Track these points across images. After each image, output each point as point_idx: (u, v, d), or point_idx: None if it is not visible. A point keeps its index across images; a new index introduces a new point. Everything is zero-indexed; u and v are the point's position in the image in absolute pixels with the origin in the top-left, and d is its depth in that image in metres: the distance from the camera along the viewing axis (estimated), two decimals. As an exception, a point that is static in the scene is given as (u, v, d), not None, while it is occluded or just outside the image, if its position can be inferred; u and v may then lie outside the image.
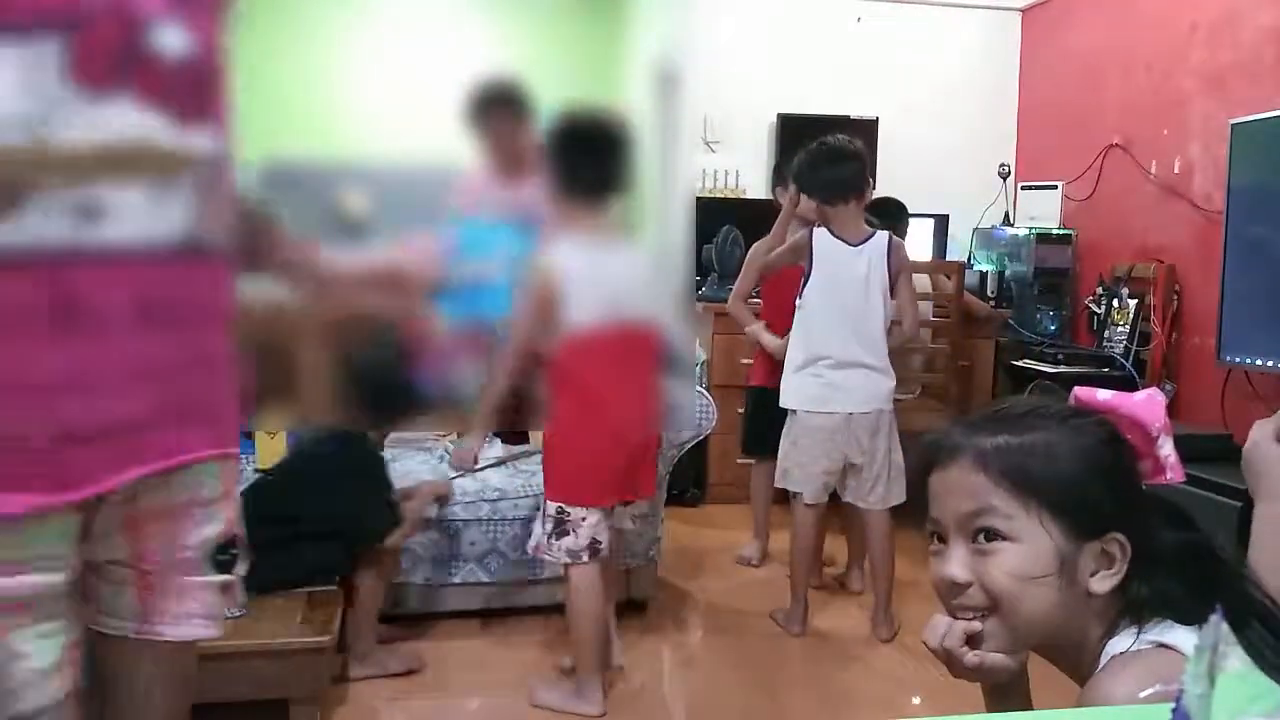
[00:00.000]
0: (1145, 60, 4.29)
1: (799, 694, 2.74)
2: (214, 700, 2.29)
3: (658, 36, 3.69)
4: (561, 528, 2.50)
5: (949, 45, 5.20)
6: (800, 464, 3.02)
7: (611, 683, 2.68)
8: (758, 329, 3.49)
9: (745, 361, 4.01)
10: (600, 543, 2.52)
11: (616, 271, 2.38)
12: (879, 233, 3.04)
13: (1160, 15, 4.21)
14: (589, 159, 2.37)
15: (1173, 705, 0.70)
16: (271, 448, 3.07)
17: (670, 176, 3.74)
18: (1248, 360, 3.40)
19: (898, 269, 3.06)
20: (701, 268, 4.49)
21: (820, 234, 3.01)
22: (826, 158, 3.04)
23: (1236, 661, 0.66)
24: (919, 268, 4.26)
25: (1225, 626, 0.65)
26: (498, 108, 2.78)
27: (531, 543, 2.61)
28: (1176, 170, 4.08)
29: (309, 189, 3.14)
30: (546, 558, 2.59)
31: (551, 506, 2.51)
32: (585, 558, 2.51)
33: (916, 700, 2.73)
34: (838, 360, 2.97)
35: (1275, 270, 3.25)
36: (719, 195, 4.86)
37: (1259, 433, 1.12)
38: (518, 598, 3.07)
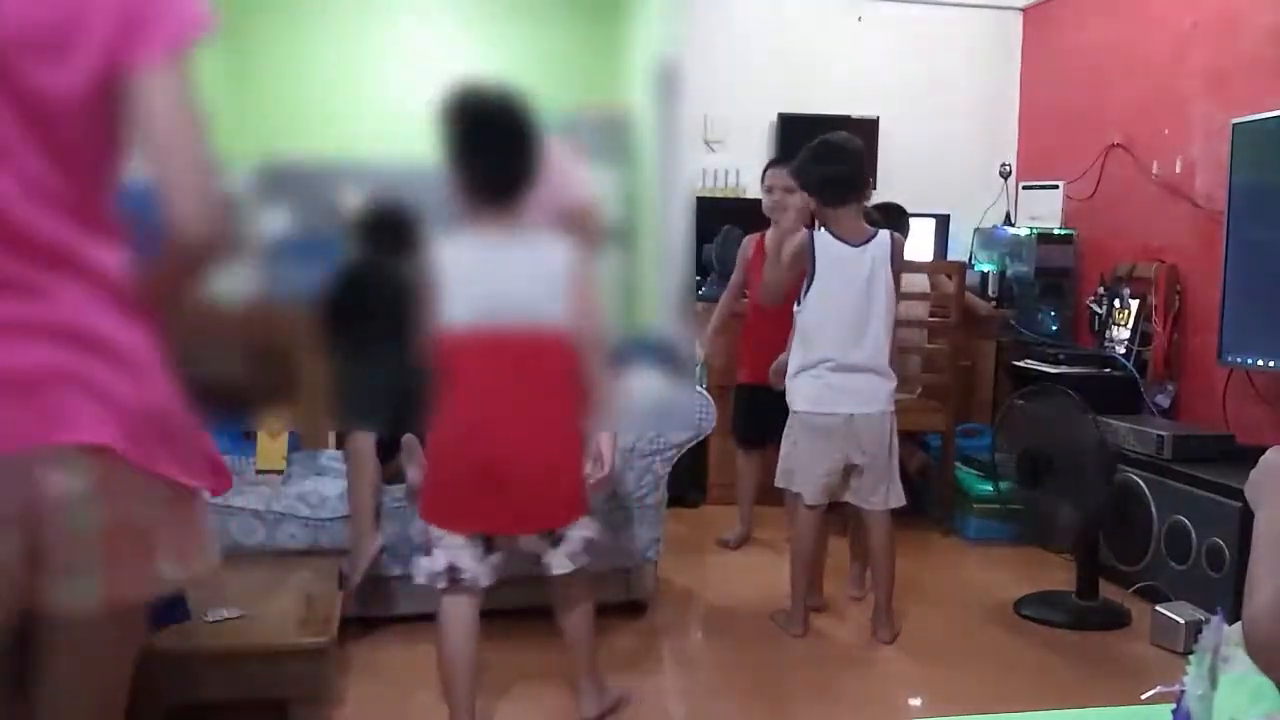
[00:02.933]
0: (1146, 60, 4.29)
1: (799, 695, 2.74)
2: (212, 702, 2.30)
3: (658, 36, 3.69)
4: (426, 547, 2.28)
5: (950, 45, 5.19)
6: (802, 465, 3.01)
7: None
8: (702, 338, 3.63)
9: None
10: (462, 571, 2.22)
11: (504, 272, 2.12)
12: (881, 232, 3.03)
13: (1161, 15, 4.21)
14: (487, 153, 2.14)
15: (1174, 706, 0.70)
16: (273, 448, 3.07)
17: (670, 176, 3.75)
18: (1249, 360, 3.39)
19: (899, 269, 3.06)
20: (701, 267, 4.49)
21: (822, 237, 3.00)
22: (827, 156, 3.00)
23: (1238, 663, 0.66)
24: (920, 268, 4.26)
25: (1227, 628, 0.65)
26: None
27: None
28: (1178, 170, 4.07)
29: (309, 189, 3.15)
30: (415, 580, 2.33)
31: (420, 521, 2.33)
32: (442, 584, 2.23)
33: (916, 701, 2.72)
34: (839, 364, 2.96)
35: (1276, 270, 3.24)
36: (719, 195, 4.85)
37: (1275, 455, 1.10)
38: (518, 598, 3.06)
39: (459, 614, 2.27)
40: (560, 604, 2.42)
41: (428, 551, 2.27)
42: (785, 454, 3.06)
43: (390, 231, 2.61)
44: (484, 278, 2.12)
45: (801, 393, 3.01)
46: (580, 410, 2.22)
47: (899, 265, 3.07)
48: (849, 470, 3.00)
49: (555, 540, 2.29)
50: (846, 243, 2.97)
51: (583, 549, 2.32)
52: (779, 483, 3.11)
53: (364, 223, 2.77)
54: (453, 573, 2.23)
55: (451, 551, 2.22)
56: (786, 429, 3.07)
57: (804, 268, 2.99)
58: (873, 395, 2.97)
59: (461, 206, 2.16)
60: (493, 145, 2.14)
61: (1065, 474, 3.19)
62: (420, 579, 2.28)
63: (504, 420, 2.14)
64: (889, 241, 3.00)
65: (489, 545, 2.27)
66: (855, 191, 3.02)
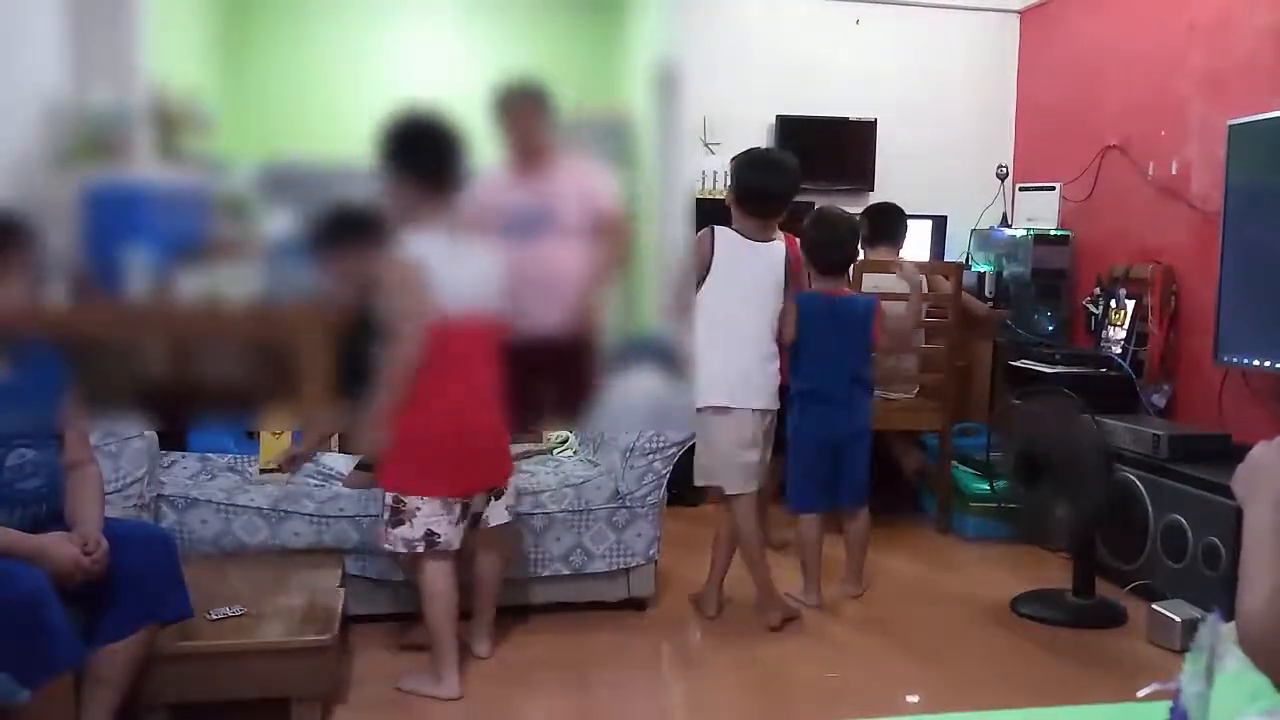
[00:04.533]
0: (1143, 62, 4.31)
1: (797, 692, 2.75)
2: (214, 699, 2.31)
3: (657, 38, 3.70)
4: (397, 517, 2.53)
5: (947, 47, 5.21)
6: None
7: (603, 681, 2.69)
8: None
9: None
10: (438, 535, 2.52)
11: (467, 264, 2.47)
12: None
13: (1158, 17, 4.22)
14: (428, 154, 2.45)
15: (1170, 703, 0.71)
16: (276, 447, 3.08)
17: (670, 176, 3.76)
18: (1245, 360, 3.41)
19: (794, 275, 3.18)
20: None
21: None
22: (764, 165, 3.13)
23: (1234, 660, 0.67)
24: (920, 268, 4.27)
25: (1223, 626, 0.66)
26: (522, 102, 2.85)
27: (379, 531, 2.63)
28: (1174, 171, 4.09)
29: (309, 189, 3.15)
30: (385, 547, 2.60)
31: (389, 496, 2.55)
32: (421, 548, 2.53)
33: (914, 699, 2.74)
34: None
35: (1272, 270, 3.26)
36: (718, 196, 4.85)
37: (1260, 450, 1.12)
38: (518, 596, 3.08)
39: (444, 571, 2.57)
40: (483, 551, 2.76)
41: (399, 523, 2.53)
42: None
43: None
44: (456, 271, 2.44)
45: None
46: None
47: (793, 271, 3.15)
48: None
49: (498, 494, 2.70)
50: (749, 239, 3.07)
51: (515, 500, 2.80)
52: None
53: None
54: (430, 538, 2.53)
55: (430, 519, 2.52)
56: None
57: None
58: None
59: (404, 203, 2.46)
60: (438, 149, 2.46)
61: (1062, 473, 3.21)
62: (399, 548, 2.56)
63: (474, 394, 2.52)
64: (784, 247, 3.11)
65: (464, 510, 2.59)
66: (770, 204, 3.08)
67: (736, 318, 3.04)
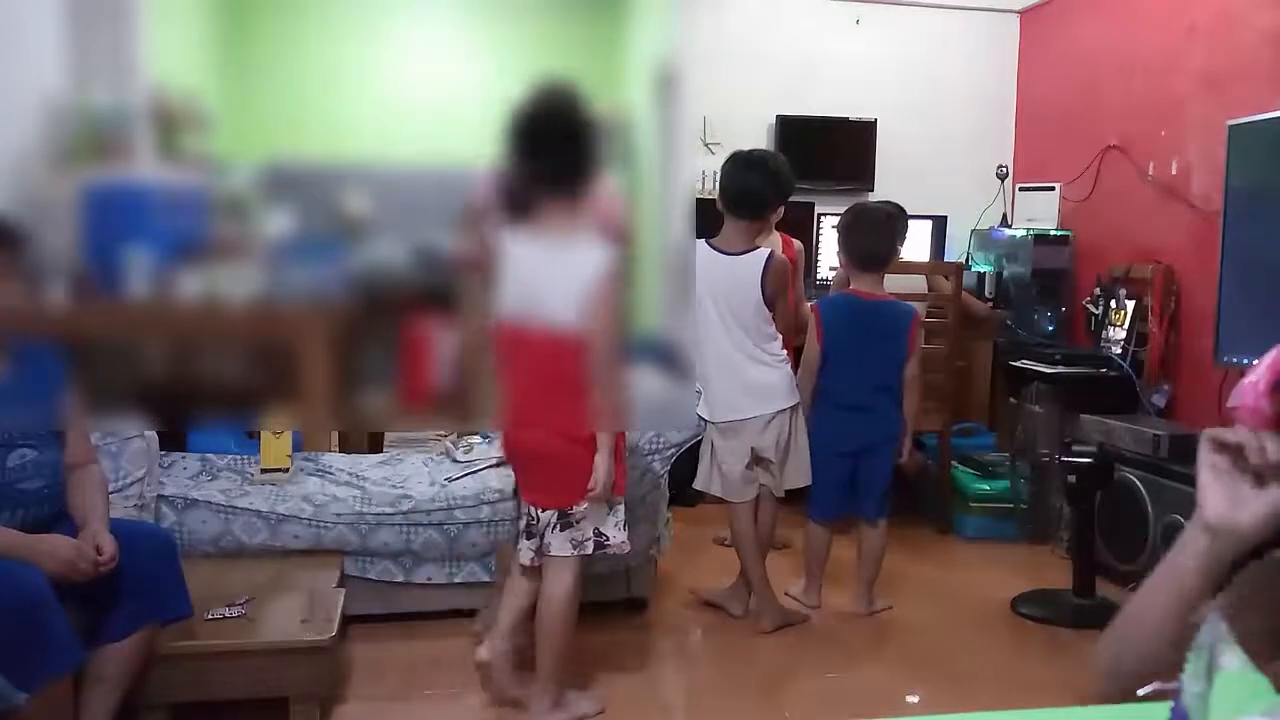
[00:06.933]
0: (1143, 62, 4.31)
1: (797, 692, 2.75)
2: (214, 699, 2.31)
3: (657, 38, 3.70)
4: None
5: (947, 47, 5.21)
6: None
7: (603, 681, 2.69)
8: None
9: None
10: (526, 529, 2.47)
11: (537, 269, 2.22)
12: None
13: (1158, 17, 4.22)
14: (551, 144, 2.24)
15: (1171, 703, 0.71)
16: (277, 447, 3.09)
17: (670, 176, 3.76)
18: (1245, 360, 3.41)
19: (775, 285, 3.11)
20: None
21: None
22: (748, 165, 3.09)
23: (1234, 660, 0.67)
24: (919, 268, 4.28)
25: (1223, 625, 0.66)
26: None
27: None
28: (1174, 171, 4.09)
29: (310, 189, 3.15)
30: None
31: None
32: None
33: (914, 699, 2.74)
34: None
35: (1272, 271, 3.26)
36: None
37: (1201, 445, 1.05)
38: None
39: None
40: (542, 587, 2.49)
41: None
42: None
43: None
44: (520, 272, 2.23)
45: None
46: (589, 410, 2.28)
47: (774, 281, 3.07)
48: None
49: (563, 523, 2.40)
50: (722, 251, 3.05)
51: (589, 539, 2.42)
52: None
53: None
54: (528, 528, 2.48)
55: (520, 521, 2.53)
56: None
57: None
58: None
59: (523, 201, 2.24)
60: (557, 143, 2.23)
61: (1062, 473, 3.21)
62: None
63: (514, 405, 2.31)
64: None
65: (530, 520, 2.46)
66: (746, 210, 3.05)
67: (712, 334, 3.04)
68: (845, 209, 3.37)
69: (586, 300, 2.16)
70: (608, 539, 2.44)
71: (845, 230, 3.24)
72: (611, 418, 2.31)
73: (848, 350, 3.17)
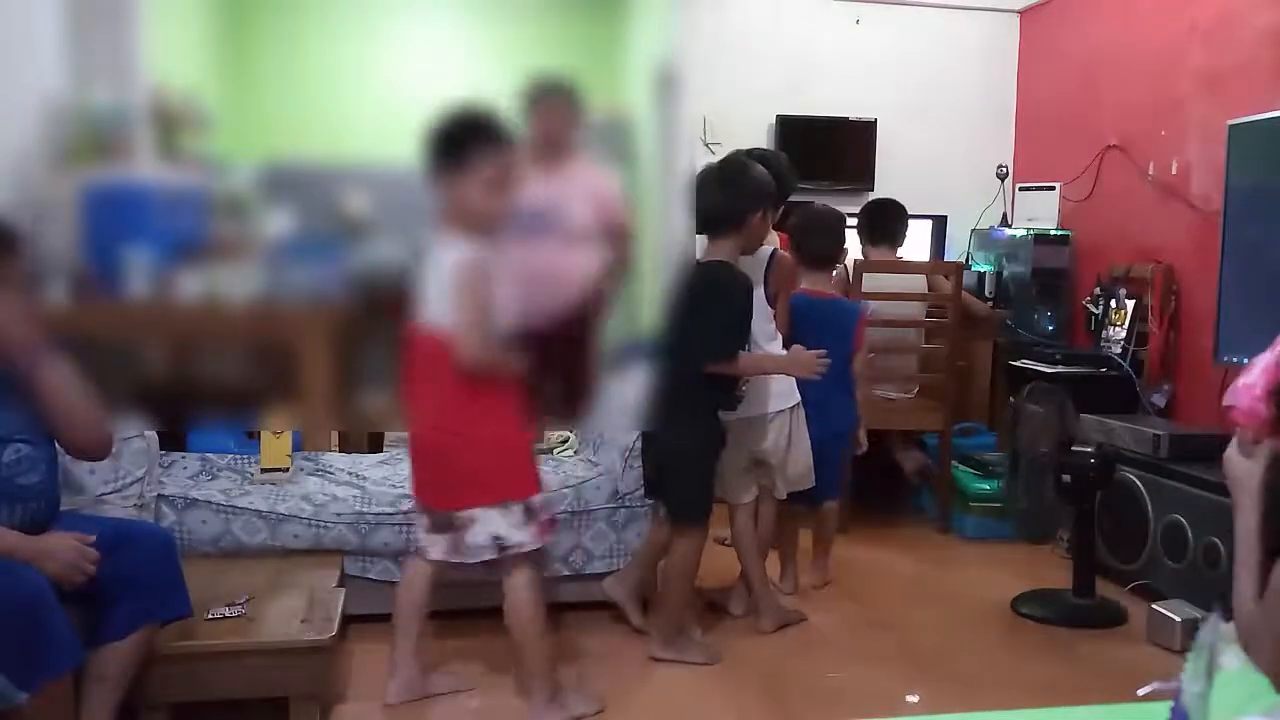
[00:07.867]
0: (1143, 61, 4.31)
1: (797, 691, 2.75)
2: (214, 699, 2.31)
3: (658, 37, 3.70)
4: None
5: (947, 46, 5.21)
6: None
7: (603, 681, 2.69)
8: None
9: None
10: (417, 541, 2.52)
11: (425, 270, 2.30)
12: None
13: (1158, 17, 4.22)
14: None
15: (1171, 703, 0.71)
16: (277, 446, 3.08)
17: (670, 176, 3.75)
18: (1245, 360, 3.37)
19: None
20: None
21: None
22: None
23: (1234, 660, 0.67)
24: (917, 268, 4.28)
25: (1224, 625, 0.66)
26: (554, 97, 2.87)
27: None
28: (1174, 171, 4.09)
29: (309, 189, 3.15)
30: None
31: None
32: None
33: (914, 699, 2.74)
34: None
35: (1272, 270, 3.26)
36: (718, 195, 4.86)
37: (1229, 452, 1.13)
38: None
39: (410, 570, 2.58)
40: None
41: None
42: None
43: None
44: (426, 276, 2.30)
45: None
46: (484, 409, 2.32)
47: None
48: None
49: (444, 525, 2.40)
50: None
51: (486, 544, 2.37)
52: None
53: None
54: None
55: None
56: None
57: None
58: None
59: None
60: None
61: (1062, 473, 3.21)
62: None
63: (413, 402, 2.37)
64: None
65: (432, 520, 2.45)
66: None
67: None
68: (798, 211, 3.39)
69: (446, 295, 2.24)
70: (505, 539, 2.37)
71: (797, 231, 3.34)
72: (507, 416, 2.36)
73: (805, 347, 3.20)
